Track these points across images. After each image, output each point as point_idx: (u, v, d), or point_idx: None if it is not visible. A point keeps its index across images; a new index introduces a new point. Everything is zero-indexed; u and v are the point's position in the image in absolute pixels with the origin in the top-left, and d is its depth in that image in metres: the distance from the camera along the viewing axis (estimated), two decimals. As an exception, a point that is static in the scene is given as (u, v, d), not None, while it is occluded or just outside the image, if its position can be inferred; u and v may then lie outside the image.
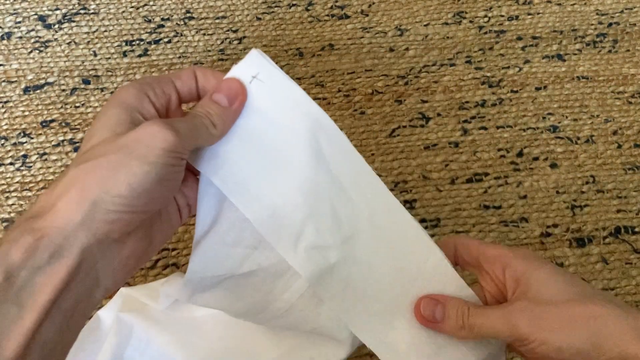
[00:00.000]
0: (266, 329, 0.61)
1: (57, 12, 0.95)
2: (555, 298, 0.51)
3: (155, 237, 0.50)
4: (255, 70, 0.51)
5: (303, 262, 0.51)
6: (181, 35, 0.93)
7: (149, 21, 0.94)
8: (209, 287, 0.54)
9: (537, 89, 0.89)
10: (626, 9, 0.97)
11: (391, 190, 0.79)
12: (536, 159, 0.84)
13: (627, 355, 0.48)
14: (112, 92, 0.87)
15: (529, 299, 0.51)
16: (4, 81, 0.88)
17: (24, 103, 0.86)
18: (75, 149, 0.82)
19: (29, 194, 0.80)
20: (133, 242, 0.47)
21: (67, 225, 0.42)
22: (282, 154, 0.51)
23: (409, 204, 0.80)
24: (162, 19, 0.95)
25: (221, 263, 0.52)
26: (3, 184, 0.81)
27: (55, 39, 0.92)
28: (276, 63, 0.88)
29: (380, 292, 0.54)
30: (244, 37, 0.93)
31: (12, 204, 0.79)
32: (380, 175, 0.81)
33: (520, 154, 0.84)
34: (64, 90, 0.88)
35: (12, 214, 0.78)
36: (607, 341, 0.48)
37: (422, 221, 0.79)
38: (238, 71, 0.52)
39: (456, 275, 0.56)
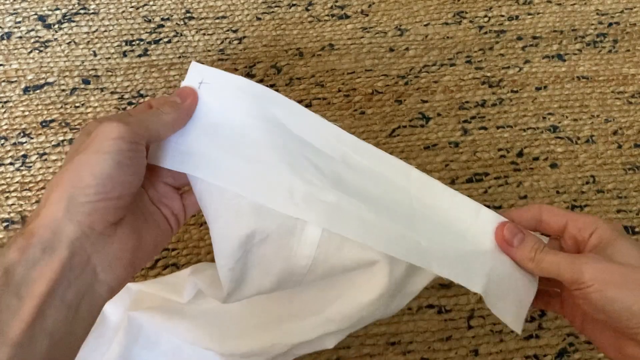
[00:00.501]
0: (293, 292, 0.62)
1: (57, 12, 0.95)
2: (628, 262, 0.53)
3: (145, 237, 0.54)
4: (200, 77, 0.57)
5: (306, 210, 0.53)
6: (181, 35, 0.93)
7: (149, 21, 0.94)
8: (241, 279, 0.56)
9: (538, 89, 0.89)
10: (626, 9, 0.97)
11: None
12: (536, 159, 0.84)
13: None
14: (112, 92, 0.88)
15: (601, 255, 0.54)
16: (3, 81, 0.88)
17: (24, 103, 0.86)
18: (75, 149, 0.82)
19: (29, 193, 0.80)
20: (121, 236, 0.50)
21: (52, 222, 0.46)
22: (246, 133, 0.56)
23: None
24: (162, 19, 0.95)
25: (234, 244, 0.54)
26: (3, 184, 0.81)
27: (55, 39, 0.92)
28: (276, 63, 0.90)
29: (392, 216, 0.56)
30: (244, 37, 0.93)
31: (12, 204, 0.79)
32: (380, 175, 0.82)
33: (520, 154, 0.84)
34: (63, 90, 0.88)
35: (12, 214, 0.78)
36: None
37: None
38: (186, 83, 0.57)
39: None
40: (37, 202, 0.79)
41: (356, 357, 0.73)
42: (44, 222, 0.46)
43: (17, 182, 0.81)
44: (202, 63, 0.89)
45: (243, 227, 0.53)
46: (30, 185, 0.80)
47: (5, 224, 0.78)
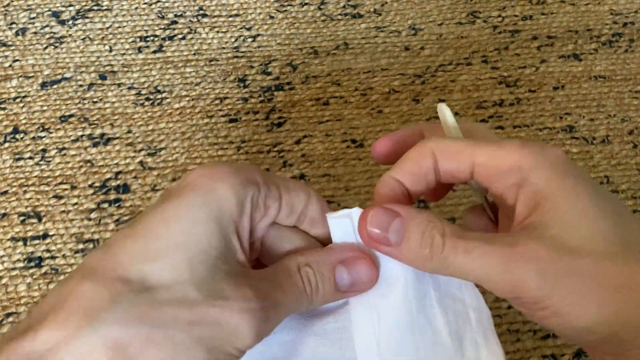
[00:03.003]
0: None
1: (71, 8, 0.95)
2: (596, 244, 0.35)
3: None
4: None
5: None
6: (195, 32, 0.93)
7: (162, 17, 0.94)
8: None
9: (555, 88, 0.89)
10: (640, 9, 0.98)
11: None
12: (551, 158, 0.84)
13: None
14: (129, 88, 0.88)
15: (549, 240, 0.35)
16: (21, 76, 0.88)
17: (42, 98, 0.86)
18: (94, 144, 0.83)
19: (47, 188, 0.79)
20: None
21: None
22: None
23: (422, 204, 0.80)
24: (175, 16, 0.95)
25: None
26: (22, 178, 0.80)
27: (70, 35, 0.92)
28: (291, 61, 0.90)
29: None
30: (258, 34, 0.94)
31: (30, 198, 0.79)
32: (395, 174, 0.82)
33: (536, 154, 0.84)
34: (81, 85, 0.87)
35: (29, 208, 0.78)
36: None
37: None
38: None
39: None
40: (54, 196, 0.79)
41: None
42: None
43: (35, 177, 0.80)
44: (218, 60, 0.90)
45: None
46: (49, 180, 0.80)
47: (22, 217, 0.78)
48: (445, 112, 0.45)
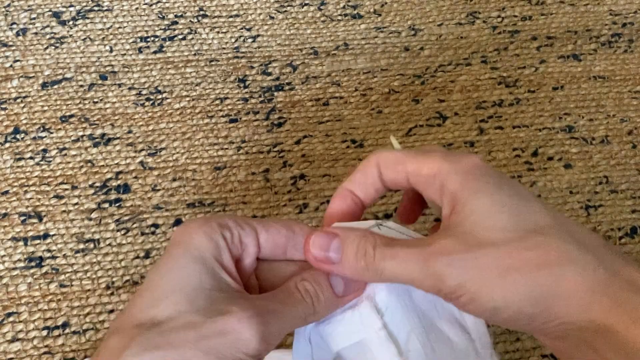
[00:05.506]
0: None
1: (71, 8, 0.95)
2: (496, 235, 0.39)
3: None
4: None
5: None
6: (195, 32, 0.93)
7: (163, 18, 0.95)
8: None
9: (554, 88, 0.90)
10: (639, 9, 0.98)
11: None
12: (550, 159, 0.84)
13: (591, 323, 0.37)
14: (129, 88, 0.88)
15: (460, 236, 0.40)
16: (21, 76, 0.88)
17: (43, 98, 0.86)
18: (95, 144, 0.83)
19: (47, 188, 0.80)
20: None
21: None
22: None
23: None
24: (176, 16, 0.95)
25: None
26: (22, 178, 0.81)
27: (71, 35, 0.92)
28: (291, 62, 0.90)
29: None
30: (258, 35, 0.94)
31: (30, 198, 0.79)
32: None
33: (535, 154, 0.84)
34: (81, 85, 0.88)
35: (30, 208, 0.78)
36: (560, 303, 0.37)
37: (435, 220, 0.79)
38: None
39: None
40: (55, 196, 0.79)
41: None
42: None
43: (36, 177, 0.81)
44: (219, 60, 0.90)
45: None
46: (49, 180, 0.80)
47: (23, 217, 0.78)
48: (393, 142, 0.51)
